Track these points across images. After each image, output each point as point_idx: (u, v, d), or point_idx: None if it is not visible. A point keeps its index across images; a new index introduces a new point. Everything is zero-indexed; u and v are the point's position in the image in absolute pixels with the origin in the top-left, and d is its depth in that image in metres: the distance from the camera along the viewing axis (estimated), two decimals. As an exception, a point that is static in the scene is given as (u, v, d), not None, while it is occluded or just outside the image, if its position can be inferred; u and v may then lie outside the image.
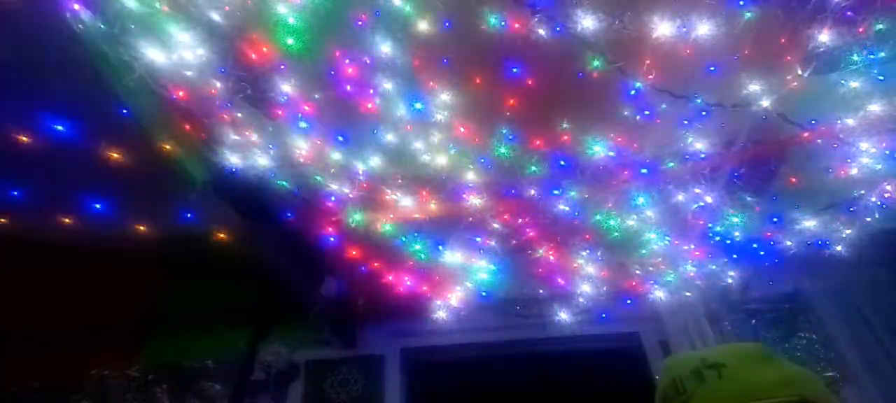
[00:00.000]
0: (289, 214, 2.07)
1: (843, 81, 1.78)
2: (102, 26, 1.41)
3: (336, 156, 1.95)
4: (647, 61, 1.68)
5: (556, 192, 2.14)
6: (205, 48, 1.53)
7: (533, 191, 2.19)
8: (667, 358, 0.96)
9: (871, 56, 1.69)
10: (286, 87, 1.70)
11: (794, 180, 2.21)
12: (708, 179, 2.12)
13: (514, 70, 1.77)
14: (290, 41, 1.59)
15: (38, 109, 1.70)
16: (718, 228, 2.27)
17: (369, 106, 1.82)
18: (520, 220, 2.31)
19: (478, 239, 2.29)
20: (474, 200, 2.15)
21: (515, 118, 1.92)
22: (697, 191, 2.12)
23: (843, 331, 2.68)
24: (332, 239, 2.15)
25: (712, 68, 1.74)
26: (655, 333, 2.85)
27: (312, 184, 2.00)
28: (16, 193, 1.90)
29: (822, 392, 0.76)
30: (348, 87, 1.77)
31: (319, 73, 1.74)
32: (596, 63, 1.69)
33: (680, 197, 2.16)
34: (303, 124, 1.79)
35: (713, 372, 0.78)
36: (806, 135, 1.91)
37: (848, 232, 2.15)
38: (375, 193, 2.11)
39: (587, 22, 1.56)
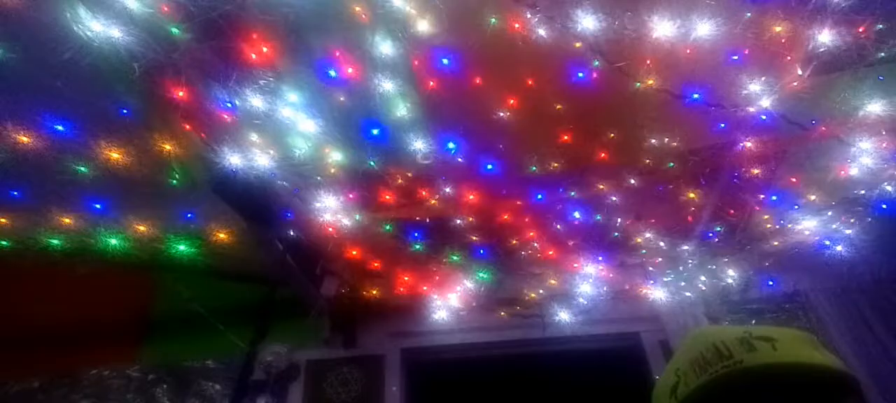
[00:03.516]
0: (289, 214, 2.07)
1: (842, 81, 1.79)
2: (102, 26, 1.41)
3: (336, 156, 1.95)
4: (648, 61, 1.68)
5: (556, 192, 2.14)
6: (204, 47, 1.53)
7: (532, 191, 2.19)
8: (694, 329, 0.90)
9: (871, 56, 1.69)
10: (286, 87, 1.70)
11: (794, 180, 2.21)
12: (708, 179, 2.12)
13: (515, 70, 1.77)
14: (289, 40, 1.59)
15: (39, 109, 1.70)
16: (717, 228, 2.27)
17: (369, 106, 1.82)
18: (519, 220, 2.32)
19: (478, 239, 2.29)
20: (474, 200, 2.15)
21: (516, 119, 1.92)
22: (697, 191, 2.12)
23: (843, 331, 2.68)
24: (331, 238, 2.15)
25: (713, 68, 1.74)
26: (655, 333, 2.85)
27: (312, 184, 2.00)
28: (16, 193, 1.90)
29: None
30: (348, 87, 1.77)
31: (319, 73, 1.74)
32: (596, 63, 1.69)
33: (680, 197, 2.16)
34: (303, 123, 1.79)
35: (765, 344, 0.74)
36: (806, 135, 1.91)
37: (848, 232, 2.15)
38: (376, 193, 2.11)
39: (587, 22, 1.56)
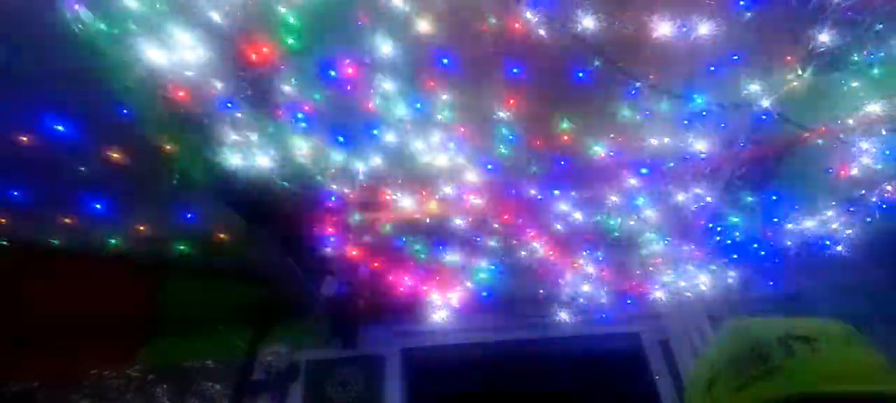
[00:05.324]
0: (289, 214, 2.07)
1: (843, 81, 1.79)
2: (103, 26, 1.41)
3: (336, 156, 1.95)
4: (648, 61, 1.68)
5: (556, 192, 2.14)
6: (205, 48, 1.53)
7: (533, 191, 2.19)
8: (733, 319, 0.81)
9: (871, 56, 1.69)
10: (286, 88, 1.70)
11: (794, 180, 2.21)
12: (708, 179, 2.12)
13: (515, 70, 1.77)
14: (290, 41, 1.59)
15: (39, 110, 1.70)
16: (718, 228, 2.27)
17: (370, 106, 1.82)
18: (520, 220, 2.31)
19: (478, 239, 2.29)
20: (474, 200, 2.15)
21: (516, 118, 1.92)
22: (697, 191, 2.12)
23: (843, 331, 2.68)
24: (332, 239, 2.15)
25: (712, 68, 1.74)
26: (655, 333, 2.85)
27: (312, 184, 2.00)
28: (16, 193, 1.90)
29: None
30: (348, 87, 1.77)
31: (319, 73, 1.74)
32: (596, 63, 1.69)
33: (680, 197, 2.16)
34: (303, 124, 1.79)
35: (805, 346, 0.66)
36: (806, 135, 1.91)
37: (848, 232, 2.15)
38: (375, 193, 2.11)
39: (587, 22, 1.56)
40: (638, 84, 1.72)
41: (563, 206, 2.19)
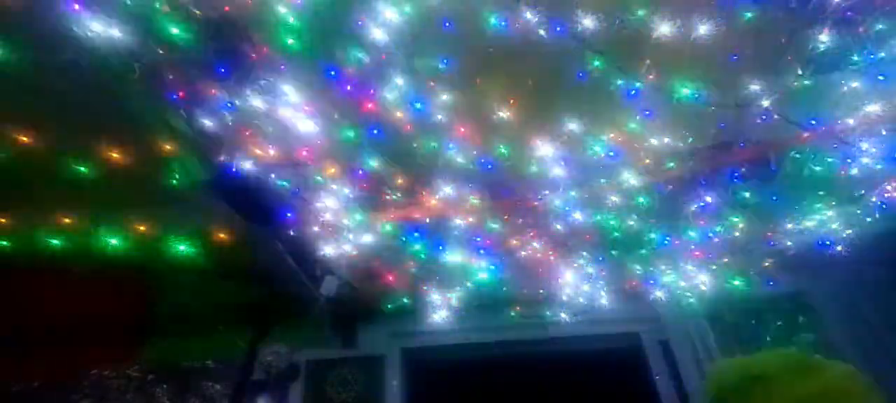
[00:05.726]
0: (289, 214, 2.07)
1: (843, 81, 1.79)
2: (102, 27, 1.41)
3: (336, 156, 1.95)
4: (647, 61, 1.68)
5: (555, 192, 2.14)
6: (204, 47, 1.53)
7: (533, 191, 2.19)
8: (715, 364, 0.99)
9: (871, 56, 1.69)
10: (286, 88, 1.70)
11: (794, 179, 2.21)
12: (708, 179, 2.12)
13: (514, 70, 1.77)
14: (290, 41, 1.59)
15: (39, 109, 1.70)
16: (718, 228, 2.27)
17: (369, 106, 1.82)
18: (520, 220, 2.31)
19: (478, 239, 2.29)
20: (474, 200, 2.15)
21: (515, 118, 1.92)
22: (697, 191, 2.12)
23: (843, 331, 2.68)
24: (331, 238, 2.15)
25: (713, 68, 1.74)
26: (655, 333, 2.85)
27: (312, 184, 2.00)
28: (18, 191, 1.90)
29: (867, 396, 0.78)
30: (348, 88, 1.77)
31: (320, 73, 1.74)
32: (596, 63, 1.69)
33: (680, 197, 2.16)
34: (302, 124, 1.79)
35: (760, 387, 0.79)
36: (806, 135, 1.91)
37: (848, 232, 2.14)
38: (375, 193, 2.11)
39: (587, 22, 1.57)
40: (638, 84, 1.72)
41: (563, 206, 2.19)
